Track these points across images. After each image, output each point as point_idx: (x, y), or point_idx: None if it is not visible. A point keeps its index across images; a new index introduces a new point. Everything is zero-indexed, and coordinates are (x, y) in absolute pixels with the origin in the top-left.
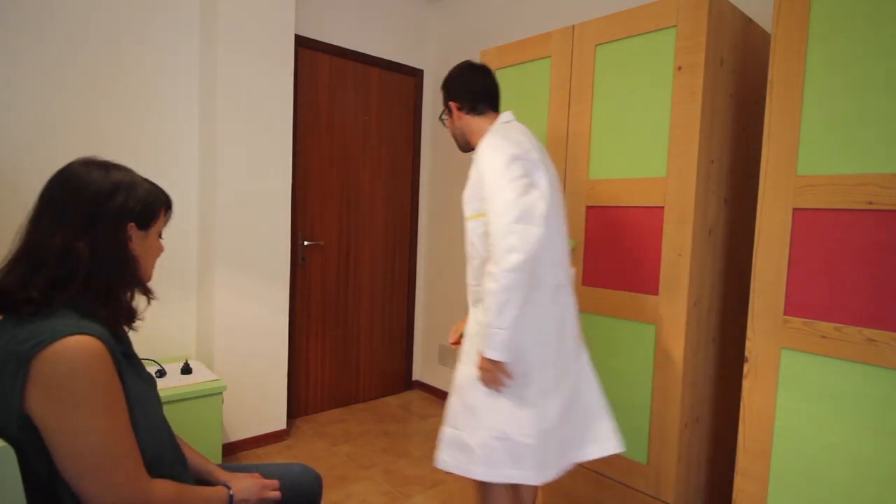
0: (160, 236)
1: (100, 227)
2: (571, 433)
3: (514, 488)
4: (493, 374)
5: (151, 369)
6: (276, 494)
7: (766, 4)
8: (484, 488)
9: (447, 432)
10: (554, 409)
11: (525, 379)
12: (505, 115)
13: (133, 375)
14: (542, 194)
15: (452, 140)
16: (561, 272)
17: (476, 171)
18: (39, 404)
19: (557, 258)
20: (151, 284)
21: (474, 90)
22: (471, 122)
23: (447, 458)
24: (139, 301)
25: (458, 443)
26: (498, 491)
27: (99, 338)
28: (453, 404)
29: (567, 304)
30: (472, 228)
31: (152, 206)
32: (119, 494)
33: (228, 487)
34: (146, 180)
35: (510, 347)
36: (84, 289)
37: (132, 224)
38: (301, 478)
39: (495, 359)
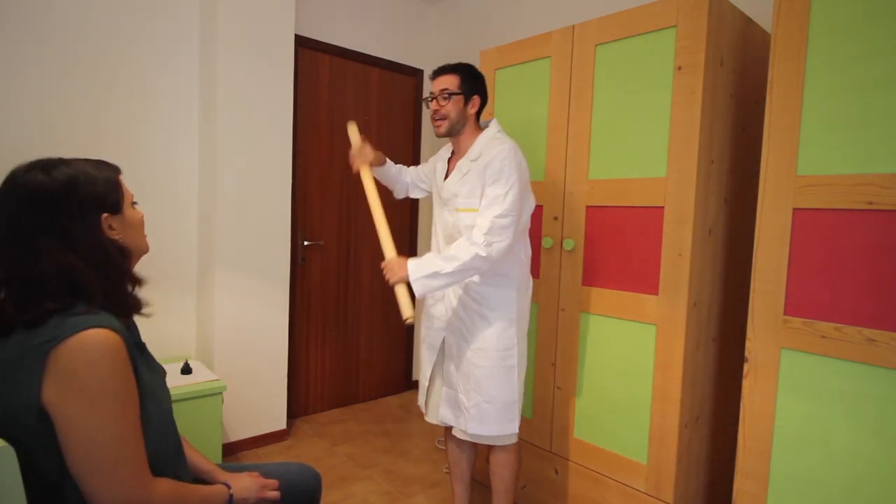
0: (134, 204)
1: (75, 234)
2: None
3: (461, 445)
4: (393, 271)
5: None
6: (276, 494)
7: (766, 4)
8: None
9: (446, 392)
10: (523, 373)
11: (514, 348)
12: (496, 123)
13: (145, 366)
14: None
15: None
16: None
17: (485, 170)
18: (55, 397)
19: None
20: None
21: (486, 100)
22: (471, 120)
23: (446, 413)
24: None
25: (454, 401)
26: (458, 445)
27: (116, 330)
28: (453, 370)
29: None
30: (463, 219)
31: (110, 186)
32: (121, 492)
33: (228, 486)
34: (87, 162)
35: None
36: (95, 290)
37: (105, 215)
38: (300, 477)
39: (416, 291)
